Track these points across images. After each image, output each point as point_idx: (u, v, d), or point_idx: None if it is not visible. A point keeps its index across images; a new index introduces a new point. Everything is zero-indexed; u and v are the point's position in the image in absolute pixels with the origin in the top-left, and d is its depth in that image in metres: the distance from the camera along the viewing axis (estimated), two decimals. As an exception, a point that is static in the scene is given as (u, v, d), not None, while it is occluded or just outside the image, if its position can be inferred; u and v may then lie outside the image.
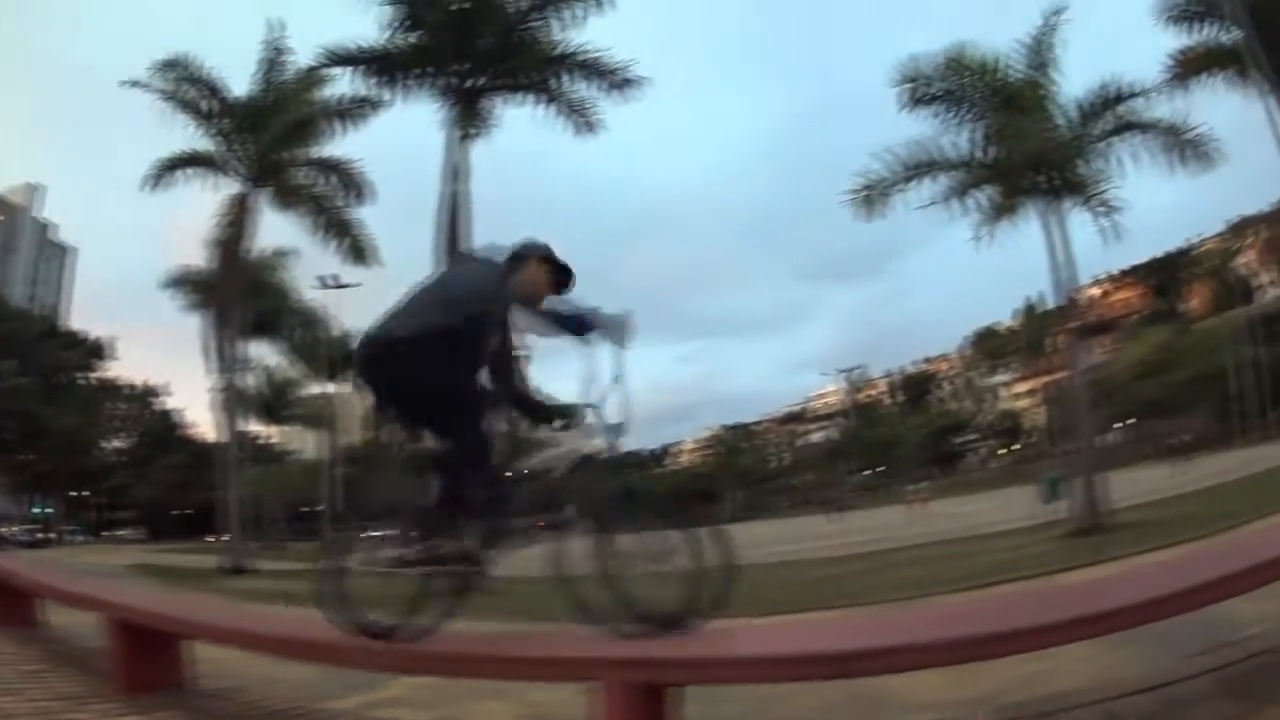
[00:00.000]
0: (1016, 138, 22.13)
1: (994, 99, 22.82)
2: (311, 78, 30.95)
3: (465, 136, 27.04)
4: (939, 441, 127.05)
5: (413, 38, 26.53)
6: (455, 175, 26.60)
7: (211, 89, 32.98)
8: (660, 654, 4.97)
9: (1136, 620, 4.71)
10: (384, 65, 27.23)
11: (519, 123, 28.33)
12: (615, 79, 27.48)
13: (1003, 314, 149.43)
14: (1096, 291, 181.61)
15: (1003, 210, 23.77)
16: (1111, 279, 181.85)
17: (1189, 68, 29.83)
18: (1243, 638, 6.11)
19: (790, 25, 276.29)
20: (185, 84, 32.71)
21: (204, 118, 33.03)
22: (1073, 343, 24.20)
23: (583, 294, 5.88)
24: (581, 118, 28.15)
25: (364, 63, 27.36)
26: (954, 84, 23.13)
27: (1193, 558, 7.93)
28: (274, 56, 33.05)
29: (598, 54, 27.20)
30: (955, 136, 23.51)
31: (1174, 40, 30.45)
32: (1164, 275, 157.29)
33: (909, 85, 23.30)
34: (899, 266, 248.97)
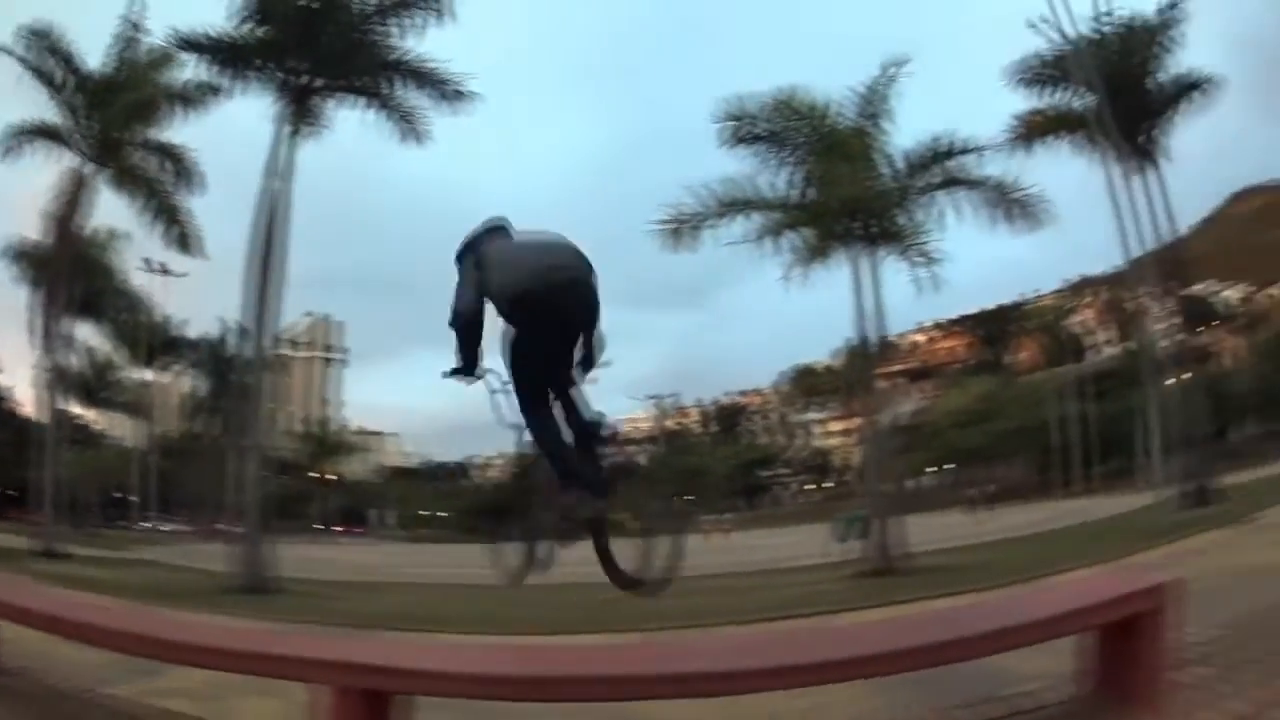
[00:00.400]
0: (833, 183, 22.20)
1: (818, 144, 22.86)
2: (161, 59, 30.13)
3: (295, 133, 26.61)
4: (748, 473, 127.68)
5: (260, 31, 25.89)
6: (278, 172, 26.21)
7: (68, 61, 32.14)
8: (379, 661, 5.12)
9: (900, 667, 5.05)
10: (229, 55, 26.48)
11: (352, 125, 28.06)
12: (448, 90, 27.33)
13: (822, 353, 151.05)
14: (922, 338, 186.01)
15: (815, 253, 23.80)
16: (939, 326, 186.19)
17: (1033, 130, 30.69)
18: (1010, 694, 6.28)
19: (635, 53, 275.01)
20: (46, 54, 31.82)
21: (57, 89, 32.17)
22: (880, 385, 24.44)
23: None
24: (410, 126, 27.99)
25: (210, 50, 26.58)
26: (779, 126, 23.13)
27: (974, 608, 8.20)
28: (131, 34, 32.19)
29: (434, 64, 27.07)
30: (773, 176, 23.55)
31: (1025, 102, 31.42)
32: (993, 327, 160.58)
33: (732, 123, 23.25)
34: (722, 298, 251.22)
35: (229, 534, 26.01)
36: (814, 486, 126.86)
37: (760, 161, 23.50)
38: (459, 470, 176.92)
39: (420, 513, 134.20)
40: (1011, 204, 23.77)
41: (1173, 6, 30.93)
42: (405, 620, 15.74)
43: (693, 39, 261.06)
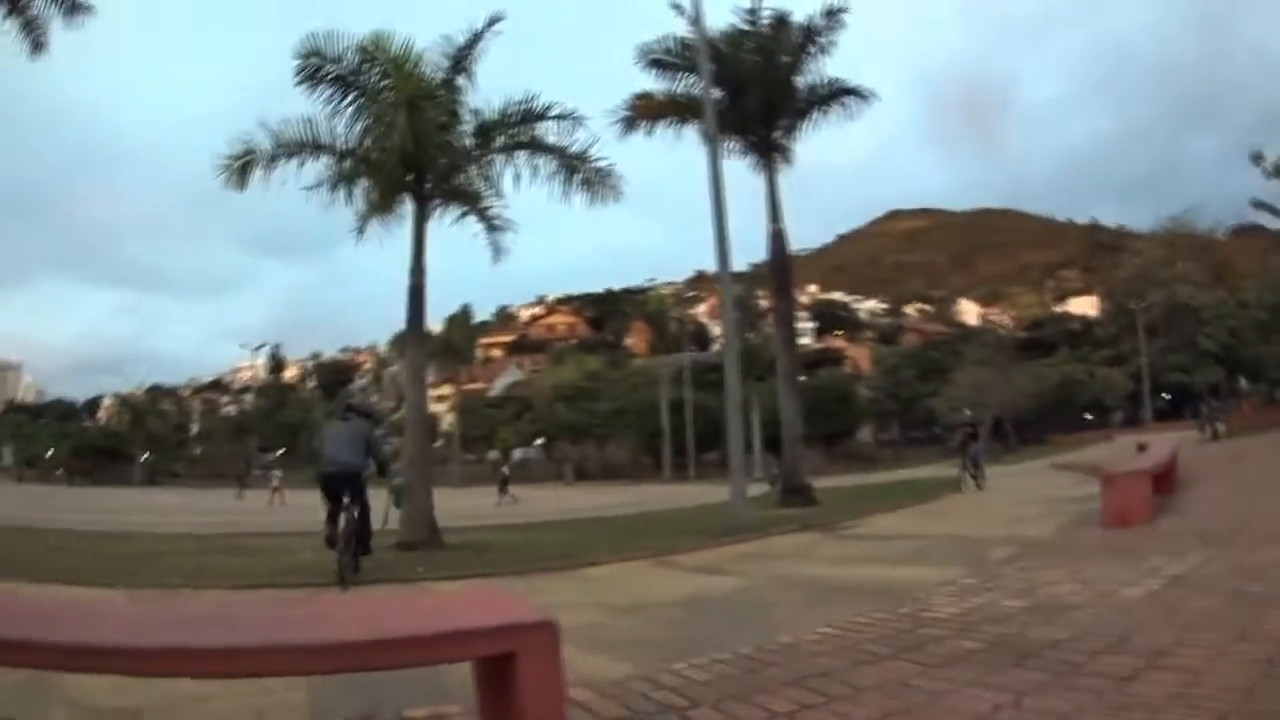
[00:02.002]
0: (391, 133, 20.44)
1: (389, 92, 21.08)
2: None
3: None
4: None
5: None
6: None
7: None
8: None
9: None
10: None
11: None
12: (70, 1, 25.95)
13: (437, 317, 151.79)
14: (532, 312, 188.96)
15: (377, 207, 22.42)
16: (544, 302, 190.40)
17: (642, 113, 30.21)
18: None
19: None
20: None
21: None
22: (414, 355, 22.98)
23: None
24: (31, 35, 26.41)
25: None
26: (353, 68, 21.37)
27: (343, 612, 6.87)
28: None
29: None
30: (347, 122, 21.81)
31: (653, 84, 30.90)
32: (605, 308, 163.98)
33: (308, 60, 21.19)
34: (341, 252, 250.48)
35: None
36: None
37: (333, 105, 21.70)
38: (90, 408, 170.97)
39: (44, 453, 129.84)
40: (582, 175, 22.88)
41: (830, 13, 30.57)
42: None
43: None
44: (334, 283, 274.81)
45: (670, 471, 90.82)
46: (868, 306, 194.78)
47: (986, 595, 9.47)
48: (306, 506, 22.20)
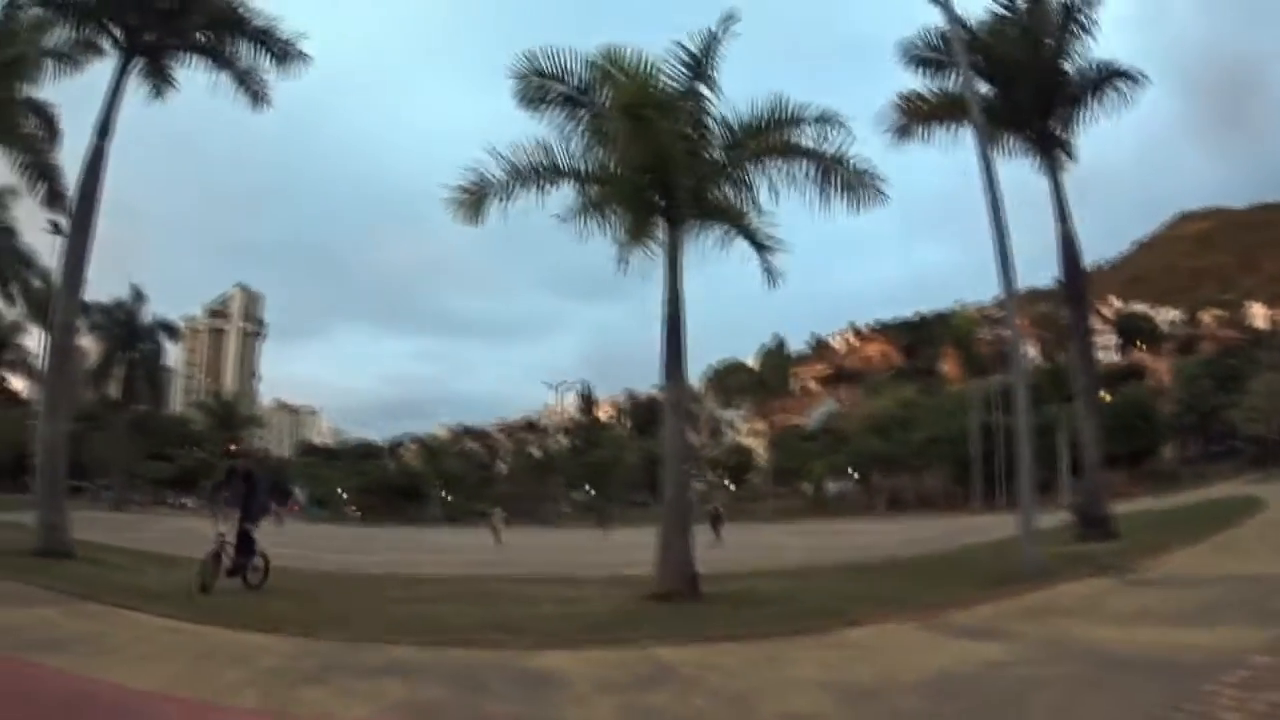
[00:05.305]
0: (637, 150, 18.26)
1: (627, 106, 18.16)
2: (30, 19, 26.68)
3: (116, 91, 25.04)
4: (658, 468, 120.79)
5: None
6: (108, 131, 24.90)
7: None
8: None
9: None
10: (71, 10, 24.94)
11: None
12: (281, 51, 26.10)
13: (749, 349, 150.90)
14: (845, 342, 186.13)
15: (633, 233, 19.81)
16: (858, 331, 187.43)
17: (916, 113, 28.28)
18: None
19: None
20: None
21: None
22: (673, 390, 20.34)
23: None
24: (246, 87, 26.62)
25: (59, 6, 24.98)
26: (583, 85, 19.20)
27: None
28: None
29: (268, 22, 25.87)
30: (580, 143, 19.68)
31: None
32: (917, 334, 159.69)
33: (530, 80, 19.21)
34: (652, 289, 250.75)
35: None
36: (732, 485, 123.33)
37: (561, 126, 19.69)
38: (393, 449, 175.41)
39: (334, 492, 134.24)
40: (841, 178, 19.71)
41: None
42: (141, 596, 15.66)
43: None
44: (646, 320, 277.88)
45: (980, 500, 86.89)
46: (1167, 316, 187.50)
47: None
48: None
